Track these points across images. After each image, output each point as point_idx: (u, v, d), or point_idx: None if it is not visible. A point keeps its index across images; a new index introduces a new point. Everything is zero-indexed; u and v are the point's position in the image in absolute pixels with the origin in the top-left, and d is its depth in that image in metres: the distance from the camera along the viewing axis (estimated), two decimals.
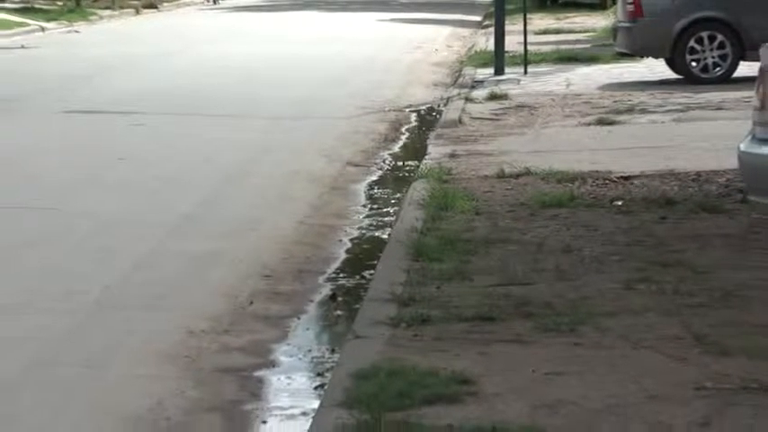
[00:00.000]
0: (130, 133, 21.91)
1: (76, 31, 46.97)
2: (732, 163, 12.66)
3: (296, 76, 30.54)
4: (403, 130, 23.09)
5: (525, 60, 29.06)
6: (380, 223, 15.40)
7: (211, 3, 60.19)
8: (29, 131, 22.18)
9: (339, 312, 11.82)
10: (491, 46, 30.56)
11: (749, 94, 13.30)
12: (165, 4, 58.93)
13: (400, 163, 19.67)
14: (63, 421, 9.05)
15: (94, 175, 17.98)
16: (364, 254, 13.91)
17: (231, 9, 60.01)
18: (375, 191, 17.60)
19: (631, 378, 8.92)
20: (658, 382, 8.83)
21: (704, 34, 26.36)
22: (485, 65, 30.05)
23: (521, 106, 23.48)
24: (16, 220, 15.06)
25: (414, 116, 24.67)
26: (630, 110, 22.45)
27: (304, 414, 9.10)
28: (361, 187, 17.79)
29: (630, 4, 26.80)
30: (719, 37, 26.26)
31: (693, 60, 26.40)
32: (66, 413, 9.22)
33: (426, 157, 18.64)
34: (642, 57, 27.82)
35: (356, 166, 19.30)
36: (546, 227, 13.60)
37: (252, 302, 11.94)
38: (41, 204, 15.99)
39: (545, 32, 37.65)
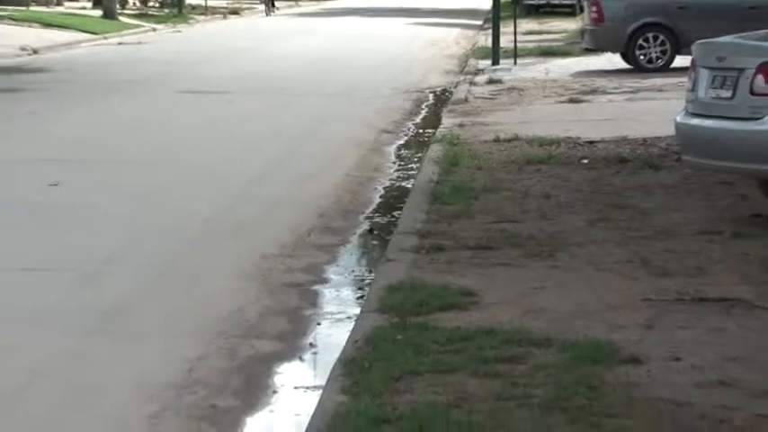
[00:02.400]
0: (224, 108, 21.93)
1: (179, 32, 46.95)
2: (670, 131, 12.60)
3: (344, 64, 30.51)
4: (423, 106, 23.02)
5: (515, 54, 28.99)
6: (406, 175, 15.36)
7: (264, 14, 58.20)
8: (149, 106, 22.20)
9: (375, 242, 11.79)
10: (489, 43, 30.42)
11: (683, 79, 13.23)
12: (246, 11, 58.65)
13: (421, 130, 19.59)
14: (174, 317, 9.07)
15: (196, 140, 18.03)
16: (394, 198, 13.87)
17: (292, 15, 59.77)
18: (402, 151, 17.54)
19: (595, 292, 8.90)
20: (615, 295, 8.81)
21: (649, 35, 26.42)
22: (485, 57, 29.97)
23: (511, 89, 23.40)
24: (143, 172, 15.09)
25: (431, 96, 24.58)
26: (594, 91, 22.40)
27: (349, 318, 9.09)
28: (392, 149, 17.74)
29: (594, 12, 26.98)
30: (661, 37, 26.32)
31: (641, 54, 26.43)
32: (175, 313, 9.24)
33: (441, 126, 18.61)
34: (603, 52, 27.77)
35: (388, 132, 19.27)
36: (530, 179, 13.58)
37: (310, 234, 11.91)
38: (161, 160, 16.04)
39: (530, 33, 37.43)
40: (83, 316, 9.07)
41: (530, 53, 30.49)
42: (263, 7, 59.58)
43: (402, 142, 18.43)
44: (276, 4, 60.57)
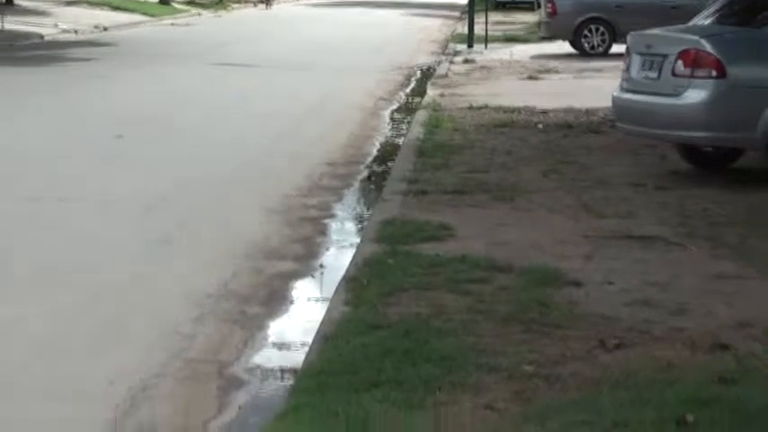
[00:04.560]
0: (251, 79, 21.85)
1: (219, 16, 46.88)
2: (607, 104, 12.59)
3: (349, 46, 30.36)
4: (412, 79, 22.92)
5: (486, 40, 28.90)
6: (398, 134, 15.31)
7: (265, 7, 53.66)
8: (192, 74, 22.15)
9: (373, 187, 11.78)
10: (466, 30, 30.34)
11: (619, 63, 13.21)
12: (275, 5, 57.93)
13: (410, 99, 19.51)
14: (213, 243, 9.07)
15: (228, 104, 17.99)
16: (388, 152, 13.83)
17: (307, 5, 59.47)
18: (395, 115, 17.47)
19: (546, 229, 8.90)
20: (561, 231, 8.81)
21: (593, 26, 26.44)
22: (461, 42, 29.86)
23: (482, 67, 23.33)
24: (187, 129, 15.07)
25: (419, 72, 24.47)
26: (548, 71, 22.33)
27: (351, 245, 9.08)
28: (387, 113, 17.67)
29: (549, 7, 27.02)
30: (601, 28, 26.35)
31: (586, 42, 26.41)
32: (213, 240, 9.24)
33: (426, 95, 18.57)
34: (555, 39, 27.69)
35: (384, 100, 19.21)
36: (496, 138, 13.56)
37: (321, 179, 11.92)
38: (201, 120, 16.01)
39: (498, 23, 37.23)
40: (140, 241, 9.08)
41: (497, 39, 30.38)
42: None
43: (395, 108, 18.37)
44: None
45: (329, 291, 7.62)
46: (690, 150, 11.45)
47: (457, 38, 32.12)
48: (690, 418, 4.93)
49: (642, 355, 5.92)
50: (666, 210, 9.59)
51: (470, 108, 16.34)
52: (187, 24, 39.84)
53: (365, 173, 12.53)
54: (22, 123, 15.00)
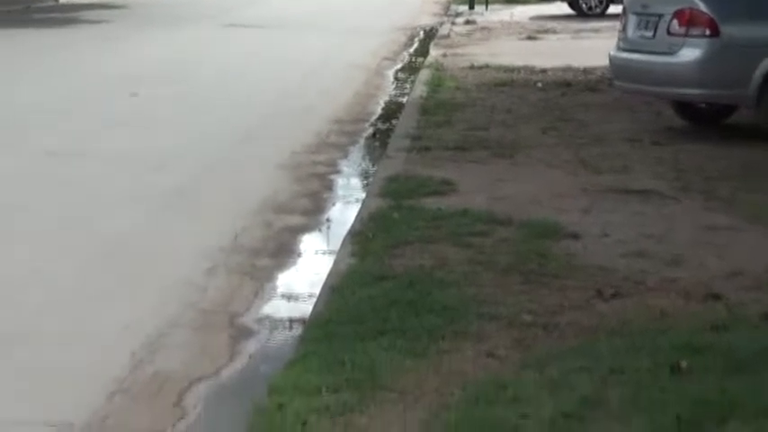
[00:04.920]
0: (261, 39, 21.79)
1: None
2: (604, 63, 12.53)
3: (354, 8, 30.25)
4: (415, 40, 22.84)
5: (487, 1, 28.78)
6: (402, 93, 15.26)
7: None
8: (203, 35, 22.10)
9: (377, 143, 11.76)
10: None
11: (616, 23, 13.14)
12: None
13: (413, 59, 19.45)
14: (224, 198, 9.07)
15: (239, 62, 17.95)
16: (392, 110, 13.80)
17: None
18: (399, 74, 17.43)
19: (544, 184, 8.88)
20: (560, 186, 8.79)
21: None
22: (463, 3, 29.74)
23: (483, 28, 23.25)
24: (198, 87, 15.03)
25: (422, 33, 24.40)
26: (546, 31, 22.25)
27: (357, 200, 9.06)
28: (391, 72, 17.62)
29: None
30: None
31: (583, 3, 26.23)
32: (224, 195, 9.25)
33: (428, 56, 18.51)
34: (554, 1, 27.56)
35: (389, 60, 19.14)
36: (497, 97, 13.53)
37: (328, 137, 11.89)
38: (212, 78, 15.98)
39: None
40: (153, 196, 9.08)
41: (498, 1, 30.23)
42: None
43: (399, 67, 18.30)
44: None
45: (336, 244, 7.61)
46: (684, 107, 11.43)
47: (458, 0, 31.96)
48: (683, 364, 4.94)
49: (637, 305, 5.92)
50: (662, 164, 9.56)
51: (472, 67, 16.28)
52: None
53: (370, 130, 12.49)
54: (39, 82, 14.98)
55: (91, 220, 8.28)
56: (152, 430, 4.90)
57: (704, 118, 11.50)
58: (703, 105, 11.39)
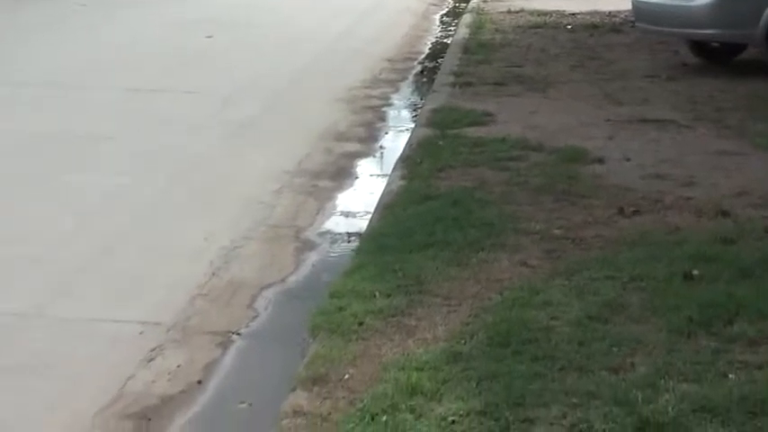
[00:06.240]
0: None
1: None
2: (628, 6, 12.34)
3: None
4: None
5: None
6: (447, 35, 15.12)
7: None
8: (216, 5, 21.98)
9: (425, 79, 11.69)
10: None
11: None
12: None
13: (457, 4, 19.22)
14: (288, 127, 9.08)
15: (294, 11, 17.80)
16: (438, 50, 13.68)
17: None
18: (444, 18, 17.26)
19: (573, 115, 8.81)
20: (586, 117, 8.72)
21: None
22: None
23: None
24: (261, 34, 14.96)
25: None
26: None
27: (407, 130, 9.03)
28: (437, 16, 17.45)
29: None
30: None
31: None
32: (289, 125, 9.24)
33: (470, 1, 18.29)
34: None
35: (434, 5, 18.93)
36: (531, 38, 13.35)
37: (381, 73, 11.84)
38: (272, 26, 15.88)
39: None
40: (223, 126, 9.10)
41: None
42: None
43: (444, 12, 18.09)
44: None
45: (388, 167, 7.62)
46: (699, 46, 11.25)
47: None
48: (695, 272, 4.95)
49: (655, 221, 5.91)
50: (677, 97, 9.45)
51: (509, 12, 16.08)
52: None
53: (418, 68, 12.42)
54: (127, 26, 14.98)
55: (167, 147, 8.30)
56: (228, 328, 4.98)
57: (716, 56, 11.33)
58: (716, 44, 11.21)
